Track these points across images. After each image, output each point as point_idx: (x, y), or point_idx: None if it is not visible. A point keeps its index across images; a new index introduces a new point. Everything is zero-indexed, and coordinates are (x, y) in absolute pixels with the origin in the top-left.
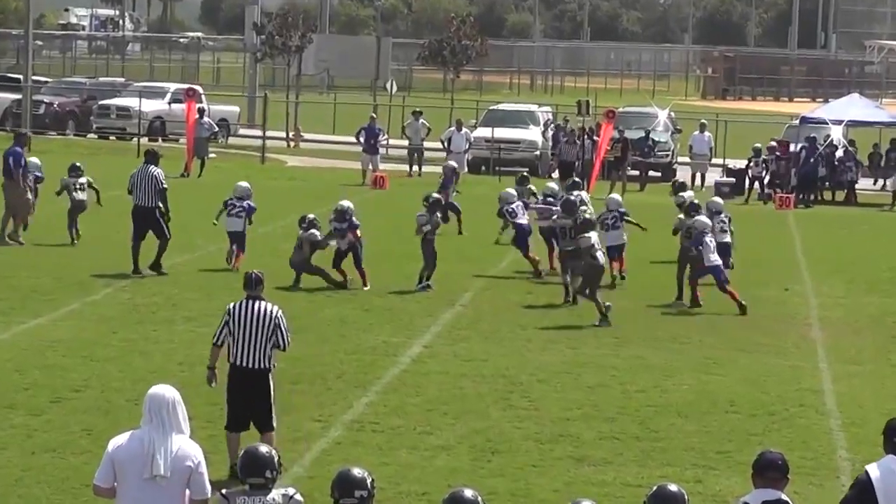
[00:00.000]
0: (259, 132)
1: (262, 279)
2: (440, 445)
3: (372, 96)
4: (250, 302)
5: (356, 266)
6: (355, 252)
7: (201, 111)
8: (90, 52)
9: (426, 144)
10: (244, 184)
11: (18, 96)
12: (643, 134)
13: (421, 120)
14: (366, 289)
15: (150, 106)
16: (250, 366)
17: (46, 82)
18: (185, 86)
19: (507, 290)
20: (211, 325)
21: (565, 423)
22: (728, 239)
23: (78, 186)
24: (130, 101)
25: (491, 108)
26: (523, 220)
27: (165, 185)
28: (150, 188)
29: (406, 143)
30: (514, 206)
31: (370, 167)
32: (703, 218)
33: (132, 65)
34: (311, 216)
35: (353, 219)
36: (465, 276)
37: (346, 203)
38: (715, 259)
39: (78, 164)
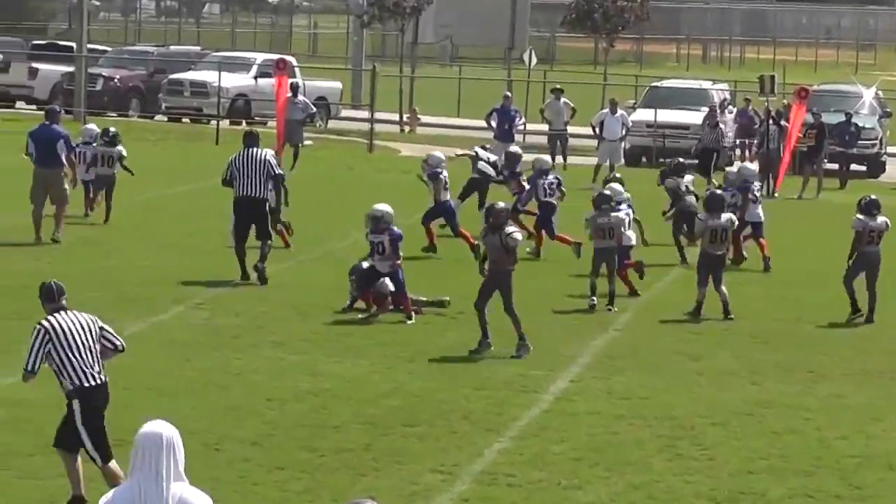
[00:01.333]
0: (366, 114)
1: (63, 288)
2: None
3: (506, 70)
4: (61, 314)
5: (399, 297)
6: (396, 279)
7: (294, 88)
8: (158, 15)
9: (572, 129)
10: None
11: (71, 68)
12: (844, 118)
13: (563, 99)
14: (410, 322)
15: (232, 81)
16: (97, 383)
17: (105, 52)
18: (275, 56)
19: (669, 310)
20: (306, 351)
21: (747, 477)
22: None
23: (105, 157)
24: (207, 76)
25: (653, 84)
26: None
27: (280, 172)
28: (259, 174)
29: (546, 127)
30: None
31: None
32: None
33: (210, 31)
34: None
35: (394, 228)
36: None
37: (382, 207)
38: None
39: (114, 130)
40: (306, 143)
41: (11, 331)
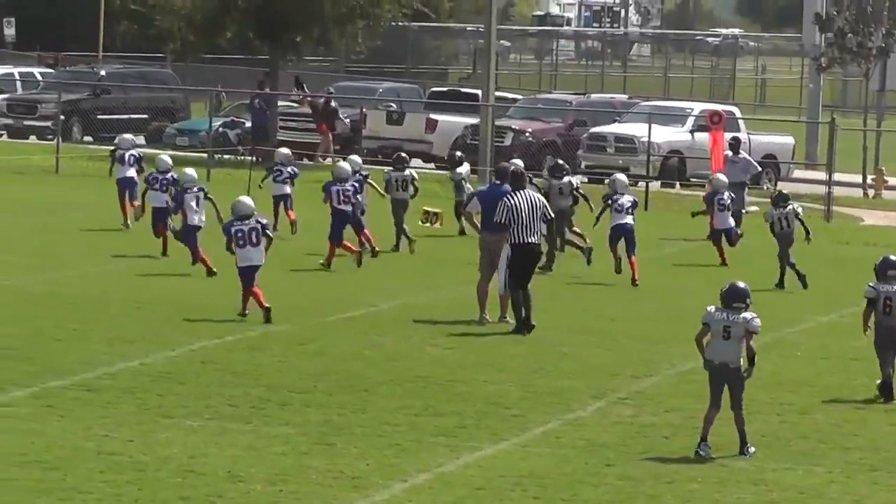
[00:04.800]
0: (822, 175)
1: None
2: None
3: None
4: None
5: None
6: None
7: (735, 144)
8: (577, 58)
9: None
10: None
11: (475, 120)
12: None
13: None
14: None
15: (664, 135)
16: None
17: (515, 101)
18: (713, 106)
19: None
20: (751, 458)
21: None
22: None
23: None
24: (635, 129)
25: None
26: None
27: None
28: (536, 218)
29: None
30: None
31: None
32: None
33: (638, 76)
34: None
35: None
36: None
37: None
38: None
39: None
40: (750, 209)
41: None
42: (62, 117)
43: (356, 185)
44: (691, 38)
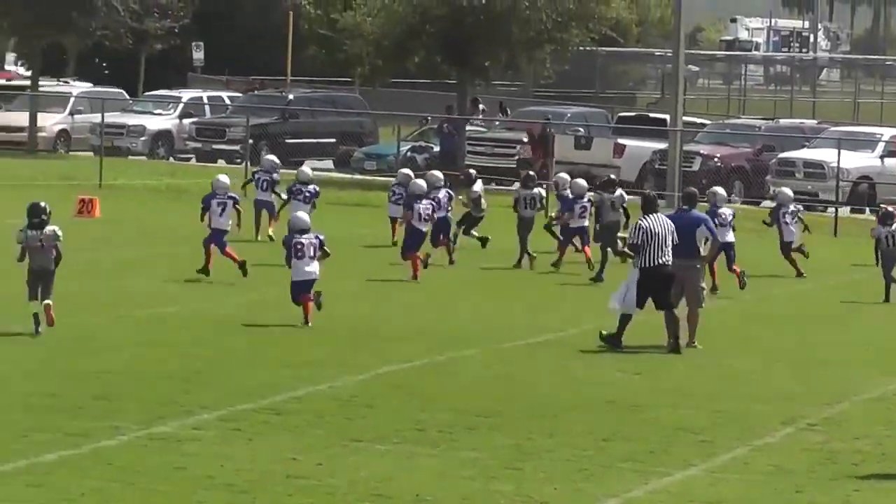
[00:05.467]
0: None
1: None
2: None
3: None
4: None
5: None
6: None
7: None
8: (766, 83)
9: None
10: None
11: (663, 145)
12: None
13: None
14: None
15: (853, 161)
16: None
17: (703, 126)
18: None
19: None
20: None
21: None
22: None
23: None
24: (824, 154)
25: None
26: None
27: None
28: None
29: None
30: None
31: None
32: None
33: (828, 101)
34: None
35: None
36: None
37: None
38: None
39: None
40: None
41: None
42: (251, 141)
43: (434, 202)
44: (881, 63)
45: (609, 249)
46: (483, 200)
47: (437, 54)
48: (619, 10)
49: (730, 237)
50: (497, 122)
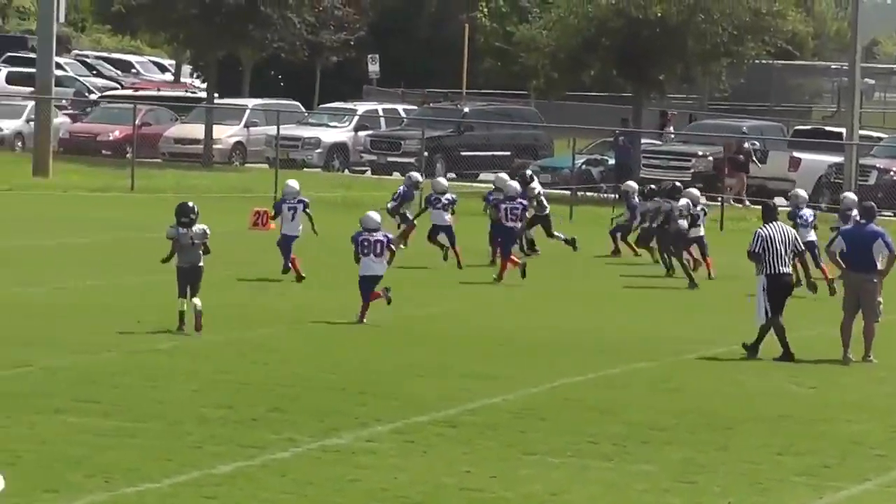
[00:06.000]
0: None
1: None
2: None
3: None
4: None
5: None
6: None
7: None
8: None
9: None
10: None
11: (839, 159)
12: None
13: None
14: None
15: None
16: None
17: (879, 139)
18: None
19: None
20: None
21: None
22: None
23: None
24: None
25: None
26: None
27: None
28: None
29: None
30: None
31: None
32: None
33: None
34: None
35: None
36: None
37: None
38: None
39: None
40: None
41: None
42: (425, 154)
43: (524, 203)
44: None
45: (667, 255)
46: (544, 199)
47: (613, 67)
48: (796, 23)
49: (811, 237)
50: (673, 136)
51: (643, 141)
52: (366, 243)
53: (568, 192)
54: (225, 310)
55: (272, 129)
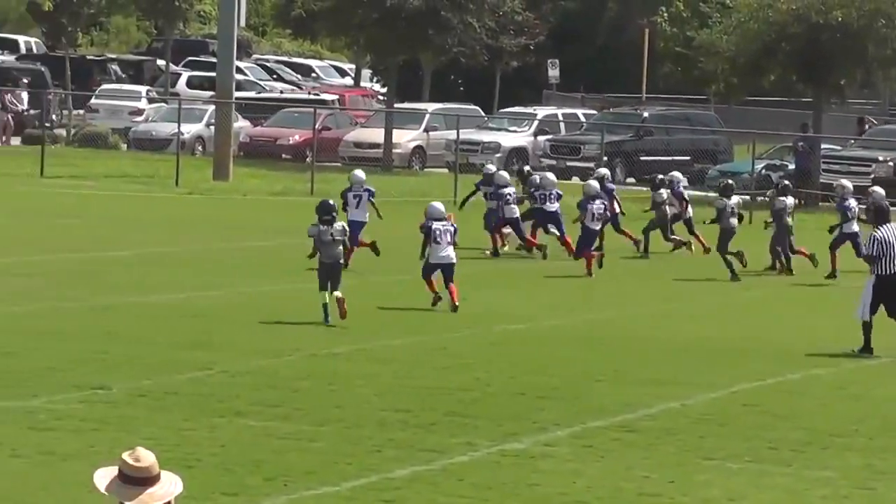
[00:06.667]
0: None
1: None
2: None
3: None
4: None
5: None
6: None
7: None
8: None
9: None
10: None
11: None
12: None
13: None
14: None
15: None
16: None
17: None
18: None
19: None
20: None
21: None
22: None
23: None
24: None
25: None
26: None
27: None
28: None
29: None
30: None
31: None
32: None
33: None
34: None
35: None
36: None
37: None
38: None
39: None
40: None
41: None
42: (605, 158)
43: (605, 203)
44: None
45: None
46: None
47: (793, 72)
48: None
49: (855, 227)
50: (853, 141)
51: (823, 146)
52: (437, 232)
53: (748, 197)
54: (405, 314)
55: (452, 134)
